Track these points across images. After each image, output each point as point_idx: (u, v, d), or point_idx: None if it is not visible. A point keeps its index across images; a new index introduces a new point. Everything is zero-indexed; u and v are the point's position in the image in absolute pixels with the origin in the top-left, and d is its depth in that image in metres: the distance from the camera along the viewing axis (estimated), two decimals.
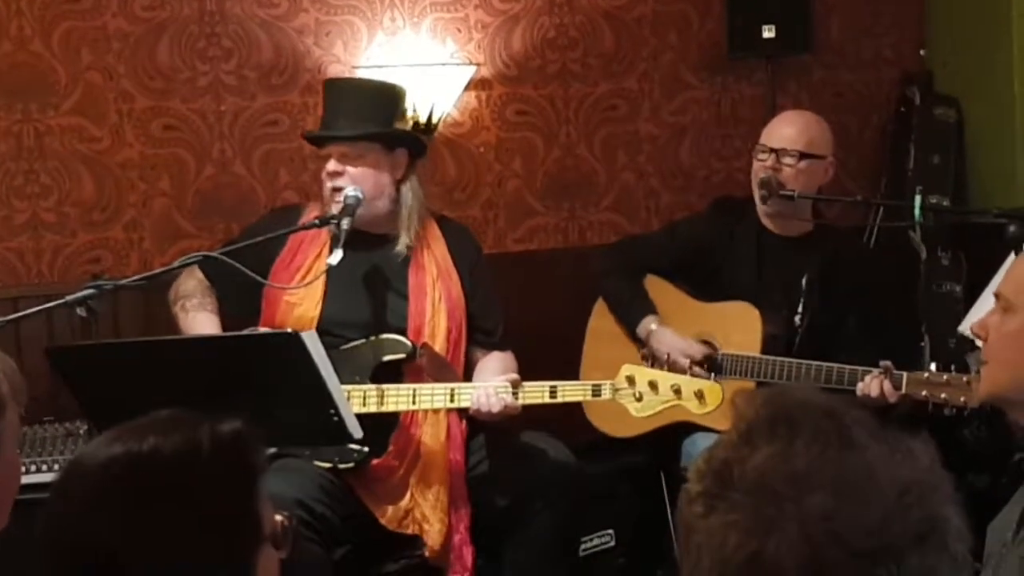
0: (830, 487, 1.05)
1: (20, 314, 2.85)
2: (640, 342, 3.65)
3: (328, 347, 2.98)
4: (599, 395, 3.12)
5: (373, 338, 3.23)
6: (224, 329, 3.34)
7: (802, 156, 3.54)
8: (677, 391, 3.04)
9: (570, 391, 3.14)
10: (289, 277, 3.26)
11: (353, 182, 3.24)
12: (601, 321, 3.78)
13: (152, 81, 4.17)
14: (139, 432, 1.41)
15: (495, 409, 3.08)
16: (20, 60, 4.04)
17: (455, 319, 3.30)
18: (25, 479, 1.82)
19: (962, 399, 3.13)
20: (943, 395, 3.16)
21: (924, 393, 3.19)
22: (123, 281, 3.02)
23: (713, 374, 3.47)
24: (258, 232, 3.30)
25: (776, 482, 1.06)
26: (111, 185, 4.16)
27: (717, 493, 1.09)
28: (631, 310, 3.66)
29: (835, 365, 3.32)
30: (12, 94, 4.04)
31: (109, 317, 3.84)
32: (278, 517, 1.46)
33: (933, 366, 3.21)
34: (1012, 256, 3.04)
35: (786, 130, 3.59)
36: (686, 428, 3.39)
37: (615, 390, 3.09)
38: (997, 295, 2.07)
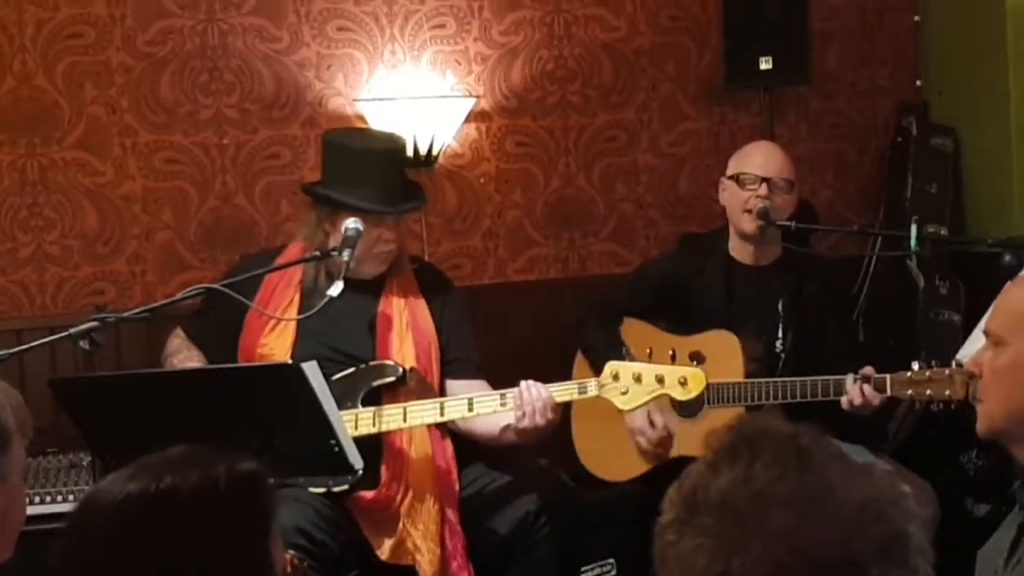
0: (791, 505, 1.08)
1: (24, 347, 2.86)
2: None
3: None
4: (585, 392, 3.15)
5: (363, 366, 3.26)
6: None
7: (791, 185, 3.58)
8: (660, 380, 3.07)
9: (558, 392, 3.16)
10: (260, 328, 3.29)
11: (402, 243, 3.38)
12: (582, 372, 3.79)
13: (155, 115, 4.20)
14: (156, 469, 1.42)
15: (536, 402, 3.09)
16: (24, 95, 4.08)
17: (422, 346, 3.33)
18: (29, 510, 1.84)
19: (947, 393, 3.14)
20: (928, 391, 3.17)
21: (909, 392, 3.20)
22: (126, 314, 3.05)
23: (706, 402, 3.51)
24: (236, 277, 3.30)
25: (738, 503, 1.09)
26: (114, 218, 4.19)
27: (686, 519, 1.11)
28: (606, 356, 3.66)
29: (819, 378, 3.33)
30: (16, 128, 4.08)
31: (112, 349, 3.87)
32: (288, 554, 1.47)
33: (915, 365, 3.21)
34: (1008, 285, 3.05)
35: (774, 160, 3.61)
36: (687, 460, 3.40)
37: (600, 386, 3.12)
38: (986, 332, 2.07)
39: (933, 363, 3.19)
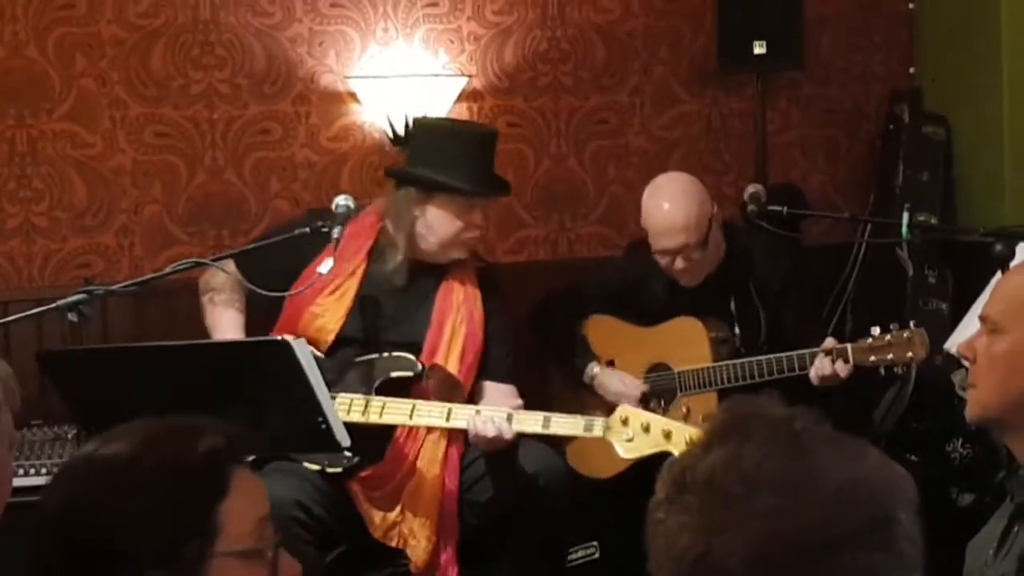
0: (775, 487, 1.08)
1: (11, 318, 2.86)
2: (588, 389, 3.70)
3: (343, 360, 3.14)
4: (591, 431, 3.10)
5: (386, 354, 3.27)
6: (246, 329, 3.37)
7: (701, 241, 3.51)
8: (667, 436, 3.01)
9: (563, 424, 3.14)
10: (319, 287, 3.27)
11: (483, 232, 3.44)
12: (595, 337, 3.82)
13: (145, 88, 4.18)
14: (115, 437, 1.44)
15: (488, 433, 3.09)
16: (14, 65, 4.05)
17: (472, 345, 3.34)
18: (14, 482, 1.83)
19: (908, 355, 3.18)
20: (890, 356, 3.21)
21: (872, 359, 3.22)
22: (114, 287, 3.04)
23: (662, 402, 3.53)
24: (288, 229, 3.29)
25: (724, 483, 1.09)
26: (103, 191, 4.16)
27: (673, 498, 1.12)
28: (574, 361, 3.67)
29: (783, 354, 3.34)
30: (6, 99, 4.05)
31: (99, 322, 3.85)
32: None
33: (875, 330, 3.22)
34: (998, 275, 3.05)
35: (670, 233, 3.52)
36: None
37: (607, 428, 3.07)
38: (983, 318, 2.06)
39: (892, 327, 3.19)
